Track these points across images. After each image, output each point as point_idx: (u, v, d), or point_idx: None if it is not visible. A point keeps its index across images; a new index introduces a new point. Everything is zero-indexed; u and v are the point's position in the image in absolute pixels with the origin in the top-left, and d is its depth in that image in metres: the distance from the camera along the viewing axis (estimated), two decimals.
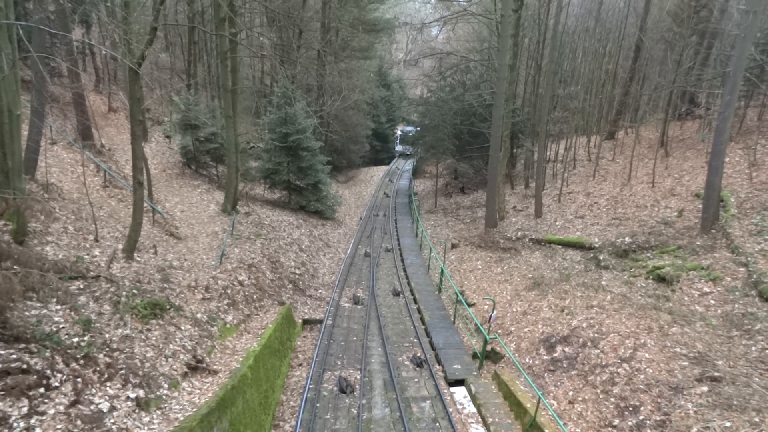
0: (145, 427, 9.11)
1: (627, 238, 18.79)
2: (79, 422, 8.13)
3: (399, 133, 73.36)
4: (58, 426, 7.84)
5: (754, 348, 11.60)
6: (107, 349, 10.00)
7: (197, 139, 27.33)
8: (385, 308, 20.89)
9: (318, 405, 13.42)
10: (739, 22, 17.99)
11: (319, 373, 15.02)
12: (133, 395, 9.45)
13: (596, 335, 14.00)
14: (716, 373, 10.90)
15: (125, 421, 8.83)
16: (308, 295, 22.18)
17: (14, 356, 8.23)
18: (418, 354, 16.55)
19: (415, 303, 21.52)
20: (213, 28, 25.97)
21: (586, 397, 12.30)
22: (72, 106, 22.73)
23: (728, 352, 11.71)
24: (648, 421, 10.58)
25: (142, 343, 11.09)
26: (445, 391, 14.54)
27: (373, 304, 21.08)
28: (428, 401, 13.78)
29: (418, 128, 43.98)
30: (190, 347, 12.39)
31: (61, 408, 8.10)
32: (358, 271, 25.92)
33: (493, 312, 16.61)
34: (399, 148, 74.11)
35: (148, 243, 16.46)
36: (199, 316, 14.03)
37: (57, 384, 8.39)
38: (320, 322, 19.48)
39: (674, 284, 15.05)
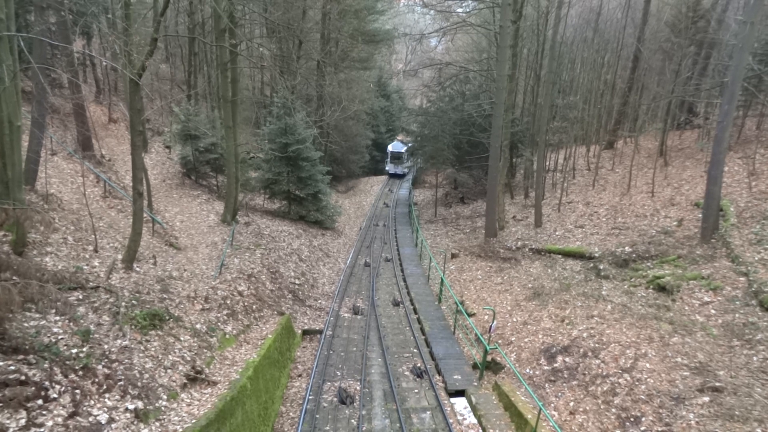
0: None
1: (627, 248, 18.78)
2: None
3: (390, 150, 64.01)
4: None
5: (755, 358, 11.57)
6: (106, 360, 9.96)
7: (197, 149, 27.41)
8: (385, 318, 20.82)
9: (318, 416, 13.34)
10: (737, 32, 18.14)
11: (318, 384, 14.94)
12: (131, 407, 9.39)
13: (597, 345, 13.95)
14: (718, 384, 10.86)
15: None
16: (308, 306, 22.11)
17: (12, 367, 8.19)
18: (418, 364, 16.48)
19: (415, 313, 21.44)
20: (213, 39, 26.14)
21: (587, 408, 12.22)
22: (72, 116, 22.82)
23: (729, 362, 11.67)
24: None
25: (141, 354, 11.04)
26: (446, 401, 14.46)
27: (373, 314, 21.01)
28: (428, 412, 13.70)
29: (418, 138, 43.93)
30: (189, 358, 12.33)
31: (60, 420, 8.04)
32: (357, 281, 25.87)
33: (493, 322, 16.56)
34: (390, 167, 64.19)
35: (148, 253, 16.44)
36: (198, 326, 13.98)
37: (55, 395, 8.34)
38: (320, 332, 19.41)
39: (675, 294, 15.03)
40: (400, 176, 64.39)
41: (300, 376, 16.64)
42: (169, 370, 11.36)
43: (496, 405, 13.95)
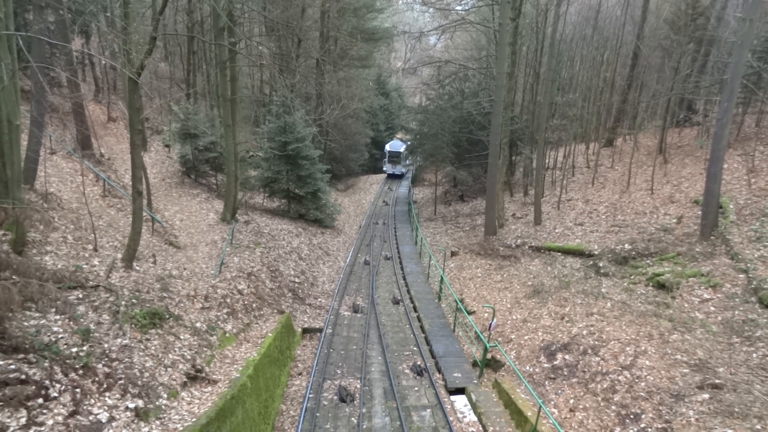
0: None
1: (626, 245, 18.79)
2: None
3: (387, 150, 61.85)
4: None
5: (754, 355, 11.58)
6: (106, 359, 9.96)
7: (196, 148, 27.39)
8: (385, 316, 20.84)
9: (318, 414, 13.35)
10: (736, 29, 18.11)
11: (318, 382, 14.95)
12: (132, 405, 9.40)
13: (596, 343, 13.97)
14: (717, 381, 10.87)
15: (124, 431, 8.78)
16: (308, 304, 22.12)
17: (13, 367, 8.19)
18: (418, 362, 16.50)
19: (415, 311, 21.46)
20: (212, 38, 26.09)
21: (587, 405, 12.24)
22: (71, 115, 22.77)
23: (729, 359, 11.68)
24: (649, 429, 10.53)
25: (141, 353, 11.04)
26: (446, 399, 14.48)
27: (372, 312, 21.02)
28: (428, 410, 13.71)
29: (417, 136, 43.91)
30: (189, 357, 12.33)
31: (60, 419, 8.04)
32: (357, 280, 25.88)
33: (493, 320, 16.58)
34: (387, 168, 62.18)
35: (148, 252, 16.44)
36: (198, 325, 13.99)
37: (56, 394, 8.34)
38: (320, 330, 19.42)
39: (674, 291, 15.04)
40: (399, 177, 63.00)
41: (300, 374, 16.65)
42: (169, 369, 11.37)
43: (496, 402, 13.97)
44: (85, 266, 12.99)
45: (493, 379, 15.33)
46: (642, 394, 11.45)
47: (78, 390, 8.76)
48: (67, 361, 9.14)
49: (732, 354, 11.84)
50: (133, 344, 11.02)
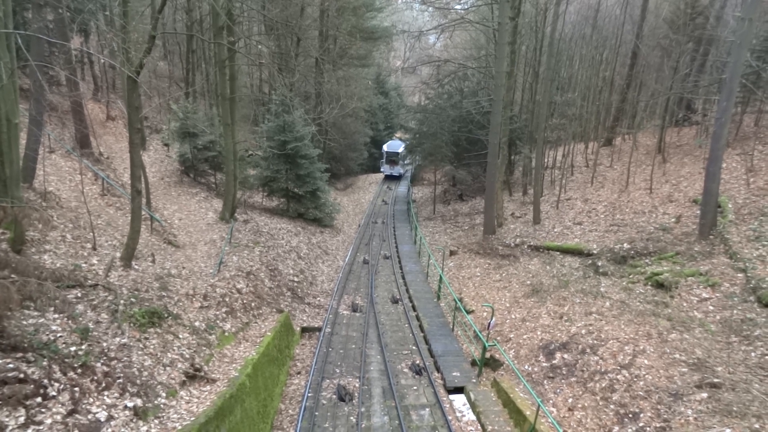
0: None
1: (625, 245, 18.80)
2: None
3: (385, 150, 59.81)
4: None
5: (753, 354, 11.59)
6: (105, 357, 9.95)
7: (195, 147, 27.36)
8: (384, 316, 20.84)
9: (317, 413, 13.36)
10: (735, 28, 18.13)
11: (317, 381, 14.96)
12: (130, 404, 9.40)
13: (595, 342, 13.98)
14: (716, 380, 10.89)
15: (123, 430, 8.77)
16: (307, 303, 22.11)
17: (11, 365, 8.18)
18: (417, 361, 16.50)
19: (414, 310, 21.47)
20: (211, 37, 26.06)
21: (586, 404, 12.26)
22: (70, 114, 22.74)
23: (727, 358, 11.70)
24: (648, 428, 10.54)
25: (139, 352, 11.03)
26: (445, 398, 14.49)
27: (371, 311, 21.02)
28: (427, 409, 13.72)
29: (417, 135, 43.86)
30: (188, 356, 12.33)
31: (59, 417, 8.04)
32: (356, 279, 25.88)
33: (491, 319, 16.58)
34: (385, 168, 60.10)
35: (146, 251, 16.42)
36: (197, 324, 13.98)
37: (54, 393, 8.34)
38: (319, 329, 19.41)
39: (673, 290, 15.05)
40: (397, 178, 61.50)
41: (299, 373, 16.64)
42: (168, 368, 11.36)
43: (494, 401, 13.98)
44: (84, 265, 12.99)
45: (491, 378, 15.34)
46: (640, 393, 11.46)
47: (77, 389, 8.75)
48: (66, 359, 9.13)
49: (730, 353, 11.86)
50: (131, 343, 11.01)
